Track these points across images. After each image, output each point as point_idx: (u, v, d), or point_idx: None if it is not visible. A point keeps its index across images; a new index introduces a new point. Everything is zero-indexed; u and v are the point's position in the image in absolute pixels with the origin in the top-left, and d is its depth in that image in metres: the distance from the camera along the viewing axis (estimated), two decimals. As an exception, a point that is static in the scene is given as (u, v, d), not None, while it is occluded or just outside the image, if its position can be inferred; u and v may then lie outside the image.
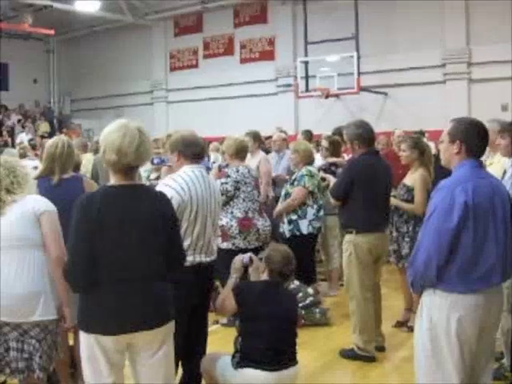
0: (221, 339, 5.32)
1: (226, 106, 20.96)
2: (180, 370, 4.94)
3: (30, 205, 4.03)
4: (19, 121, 22.88)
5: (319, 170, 8.03)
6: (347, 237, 6.15)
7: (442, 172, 4.49)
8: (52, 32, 22.36)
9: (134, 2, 22.68)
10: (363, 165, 6.08)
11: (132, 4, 22.69)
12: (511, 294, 4.94)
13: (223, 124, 18.14)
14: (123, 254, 3.52)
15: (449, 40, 17.75)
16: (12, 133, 21.60)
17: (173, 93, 23.63)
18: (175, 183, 4.61)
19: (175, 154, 4.83)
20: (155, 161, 6.85)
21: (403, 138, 7.04)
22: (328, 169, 8.25)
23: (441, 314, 3.72)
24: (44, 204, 4.08)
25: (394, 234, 6.90)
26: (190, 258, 4.60)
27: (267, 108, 19.49)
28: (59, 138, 5.26)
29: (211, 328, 5.63)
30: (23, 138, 19.64)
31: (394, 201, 6.81)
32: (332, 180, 6.98)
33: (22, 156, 11.02)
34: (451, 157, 3.89)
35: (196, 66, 23.26)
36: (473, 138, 3.84)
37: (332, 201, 6.54)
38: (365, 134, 6.14)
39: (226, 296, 4.68)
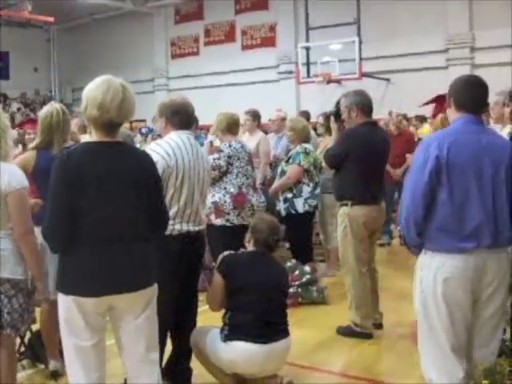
0: (211, 318, 5.22)
1: (228, 93, 20.84)
2: (169, 345, 4.83)
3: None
4: (19, 109, 22.80)
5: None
6: (342, 209, 5.99)
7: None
8: (51, 19, 22.19)
9: (135, -12, 22.56)
10: (360, 135, 5.91)
11: (132, -9, 22.57)
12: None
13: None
14: (104, 213, 3.39)
15: (452, 25, 17.58)
16: (12, 121, 21.49)
17: (174, 80, 23.58)
18: (160, 148, 4.48)
19: (163, 120, 4.71)
20: (143, 130, 6.73)
21: None
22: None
23: (429, 274, 3.65)
24: (12, 182, 3.90)
25: None
26: (177, 227, 4.50)
27: (269, 94, 19.33)
28: (52, 107, 5.07)
29: (203, 308, 5.52)
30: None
31: None
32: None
33: (20, 142, 10.89)
34: (448, 113, 3.88)
35: (197, 53, 23.20)
36: (460, 91, 3.79)
37: (324, 165, 6.41)
38: (364, 101, 5.98)
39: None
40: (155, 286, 3.61)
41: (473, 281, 3.59)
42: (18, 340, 4.97)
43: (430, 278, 3.62)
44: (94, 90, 3.45)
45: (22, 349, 5.24)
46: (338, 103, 6.29)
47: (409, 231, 3.67)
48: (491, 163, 3.62)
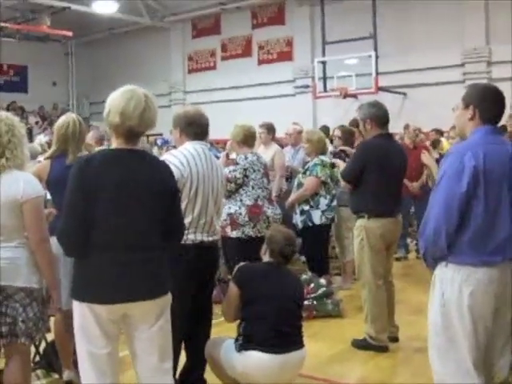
0: (227, 330, 5.21)
1: (245, 108, 20.78)
2: (183, 355, 4.81)
3: (15, 190, 3.87)
4: (37, 122, 22.93)
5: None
6: (359, 222, 5.98)
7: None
8: (70, 33, 22.37)
9: (152, 4, 22.71)
10: (376, 147, 5.89)
11: (150, 6, 22.73)
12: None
13: (242, 123, 17.75)
14: (120, 221, 3.40)
15: (468, 39, 17.50)
16: (30, 134, 21.61)
17: (191, 95, 23.60)
18: (175, 158, 4.50)
19: (177, 130, 4.74)
20: (159, 141, 6.74)
21: None
22: (337, 154, 8.23)
23: (453, 288, 3.54)
24: (28, 190, 3.90)
25: None
26: (191, 237, 4.50)
27: (285, 109, 19.31)
28: (69, 117, 5.12)
29: (218, 320, 5.53)
30: (41, 139, 19.67)
31: None
32: (341, 165, 6.80)
33: (40, 153, 10.97)
34: (465, 124, 3.71)
35: (214, 67, 23.24)
36: (487, 102, 3.65)
37: (342, 183, 6.38)
38: (379, 113, 5.96)
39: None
40: (169, 295, 3.61)
41: (497, 292, 3.54)
42: (33, 349, 4.97)
43: (455, 292, 3.54)
44: (117, 98, 3.51)
45: (37, 358, 5.26)
46: (353, 121, 6.37)
47: (437, 242, 3.55)
48: None
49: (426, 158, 6.28)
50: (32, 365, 4.84)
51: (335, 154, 8.26)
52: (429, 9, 17.71)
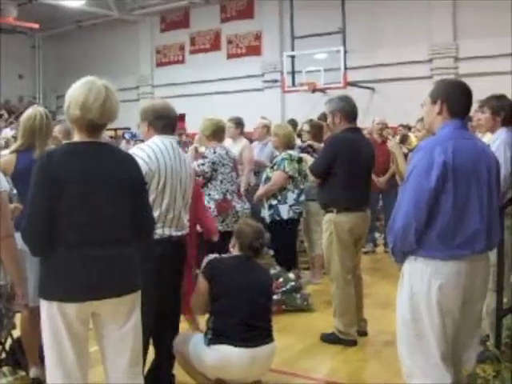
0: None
1: (213, 102, 20.72)
2: (151, 352, 4.77)
3: None
4: (1, 116, 22.60)
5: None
6: (327, 216, 5.96)
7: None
8: (37, 25, 22.12)
9: (120, -4, 22.54)
10: (346, 141, 5.89)
11: (118, -1, 22.55)
12: (497, 272, 4.77)
13: (211, 117, 17.69)
14: (87, 215, 3.32)
15: (436, 35, 17.67)
16: (-5, 128, 21.33)
17: (159, 88, 23.48)
18: (142, 152, 4.42)
19: (145, 124, 4.67)
20: (126, 135, 6.69)
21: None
22: (305, 149, 8.42)
23: (422, 281, 3.55)
24: None
25: None
26: (159, 231, 4.43)
27: (254, 103, 19.34)
28: (36, 110, 5.01)
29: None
30: (7, 133, 19.43)
31: None
32: (309, 160, 6.80)
33: (5, 147, 10.82)
34: (433, 118, 3.72)
35: (182, 61, 23.18)
36: (454, 96, 3.67)
37: (311, 178, 6.35)
38: (347, 107, 5.96)
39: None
40: (139, 292, 3.54)
41: (465, 285, 3.56)
42: (-1, 346, 4.91)
43: (424, 285, 3.54)
44: (76, 90, 3.42)
45: (3, 355, 5.17)
46: (322, 114, 6.39)
47: (406, 238, 3.54)
48: (486, 168, 3.60)
49: (391, 144, 6.23)
50: (-2, 362, 4.78)
51: (303, 149, 8.29)
52: (397, 5, 17.83)
